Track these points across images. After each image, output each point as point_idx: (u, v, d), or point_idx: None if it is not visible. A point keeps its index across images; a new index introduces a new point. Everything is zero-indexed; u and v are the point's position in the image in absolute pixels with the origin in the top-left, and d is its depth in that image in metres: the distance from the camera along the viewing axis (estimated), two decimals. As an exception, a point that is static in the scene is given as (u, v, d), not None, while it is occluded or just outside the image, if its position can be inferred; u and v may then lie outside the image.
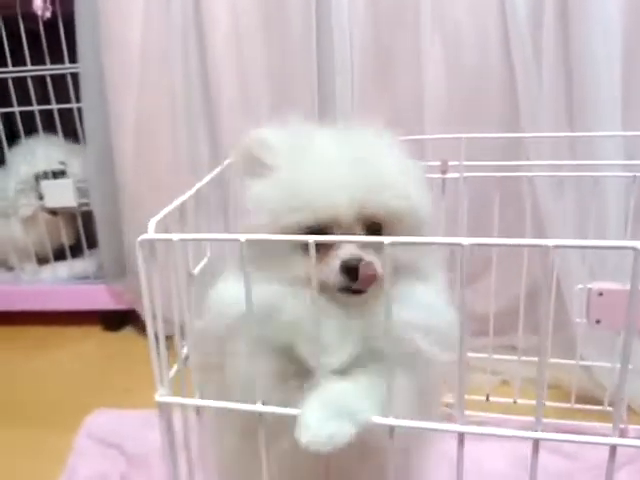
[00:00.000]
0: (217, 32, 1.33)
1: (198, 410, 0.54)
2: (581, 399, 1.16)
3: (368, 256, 0.55)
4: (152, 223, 0.51)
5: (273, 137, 0.62)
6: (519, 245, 0.47)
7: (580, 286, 1.03)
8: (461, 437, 0.51)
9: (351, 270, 0.54)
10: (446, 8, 1.27)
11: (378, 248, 0.51)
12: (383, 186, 0.57)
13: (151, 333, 0.51)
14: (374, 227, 0.58)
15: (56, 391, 1.38)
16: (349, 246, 0.55)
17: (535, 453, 0.49)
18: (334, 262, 0.55)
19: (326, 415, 0.50)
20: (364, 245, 0.56)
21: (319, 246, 0.49)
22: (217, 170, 0.77)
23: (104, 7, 1.39)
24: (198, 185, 0.68)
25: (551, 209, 1.22)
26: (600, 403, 1.14)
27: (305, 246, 0.49)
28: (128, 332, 1.65)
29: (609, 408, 1.12)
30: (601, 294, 1.02)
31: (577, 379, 1.14)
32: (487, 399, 1.18)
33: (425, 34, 1.27)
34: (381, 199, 0.57)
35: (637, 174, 0.99)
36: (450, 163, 1.05)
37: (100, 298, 1.63)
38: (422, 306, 0.57)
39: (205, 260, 0.66)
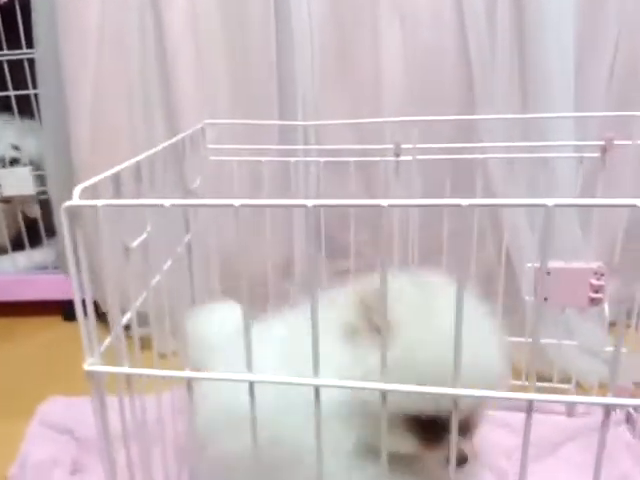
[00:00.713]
0: (175, 17, 1.32)
1: (128, 379, 0.54)
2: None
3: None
4: (78, 189, 0.50)
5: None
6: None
7: (529, 265, 1.05)
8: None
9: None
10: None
11: None
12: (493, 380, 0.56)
13: (78, 301, 0.51)
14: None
15: (13, 381, 1.36)
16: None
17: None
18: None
19: None
20: None
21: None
22: (163, 145, 0.77)
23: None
24: (139, 157, 0.68)
25: (503, 191, 1.24)
26: (550, 380, 1.16)
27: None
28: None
29: (557, 385, 1.15)
30: (549, 273, 1.04)
31: (528, 356, 1.16)
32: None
33: (383, 18, 1.28)
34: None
35: (584, 155, 1.01)
36: (403, 146, 1.07)
37: (59, 288, 1.61)
38: None
39: (145, 235, 0.65)
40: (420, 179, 1.07)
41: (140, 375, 0.54)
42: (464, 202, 0.44)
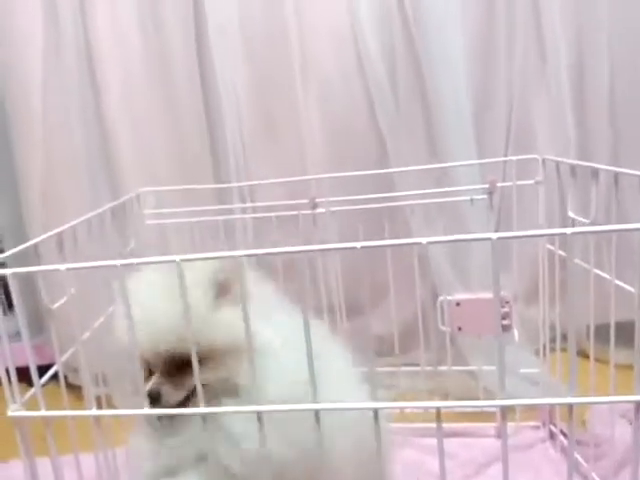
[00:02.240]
0: (112, 96, 1.46)
1: (47, 423, 0.62)
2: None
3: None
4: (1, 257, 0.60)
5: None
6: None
7: (441, 298, 1.15)
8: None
9: (152, 397, 0.66)
10: (315, 67, 1.43)
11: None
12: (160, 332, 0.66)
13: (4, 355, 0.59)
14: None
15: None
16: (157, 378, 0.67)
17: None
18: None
19: None
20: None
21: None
22: (92, 213, 0.87)
23: (4, 80, 1.51)
24: (80, 219, 0.78)
25: (418, 231, 1.36)
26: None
27: None
28: (51, 386, 1.67)
29: (486, 409, 1.23)
30: (458, 304, 1.15)
31: (455, 383, 1.25)
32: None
33: (299, 85, 1.42)
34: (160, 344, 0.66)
35: (473, 197, 1.13)
36: (318, 200, 1.18)
37: (21, 356, 1.66)
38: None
39: (66, 297, 0.74)
40: (337, 228, 1.18)
41: (58, 417, 0.63)
42: (424, 240, 0.55)
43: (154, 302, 0.66)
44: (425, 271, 1.40)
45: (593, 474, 1.00)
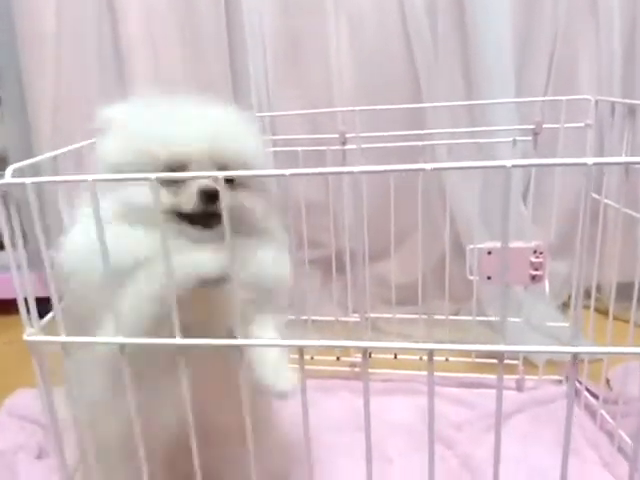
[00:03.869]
0: (130, 20, 1.37)
1: (66, 350, 0.58)
2: (484, 354, 1.22)
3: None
4: (10, 169, 0.54)
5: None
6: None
7: (471, 246, 1.10)
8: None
9: (209, 194, 0.59)
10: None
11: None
12: (226, 133, 0.64)
13: (16, 278, 0.54)
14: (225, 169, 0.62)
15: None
16: (205, 180, 0.60)
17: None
18: (191, 190, 0.60)
19: None
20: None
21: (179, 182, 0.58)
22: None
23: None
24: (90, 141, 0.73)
25: (450, 176, 1.29)
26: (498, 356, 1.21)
27: (164, 183, 0.56)
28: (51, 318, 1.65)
29: (508, 361, 1.20)
30: (490, 252, 1.09)
31: (476, 334, 1.21)
32: (395, 357, 1.23)
33: (331, 16, 1.33)
34: (225, 144, 0.63)
35: (517, 138, 1.06)
36: (348, 135, 1.11)
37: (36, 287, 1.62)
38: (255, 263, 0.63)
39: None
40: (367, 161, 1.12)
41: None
42: (427, 167, 0.48)
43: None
44: (450, 219, 1.35)
45: (620, 431, 0.97)
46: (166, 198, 0.61)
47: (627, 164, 0.48)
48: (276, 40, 1.38)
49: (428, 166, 0.47)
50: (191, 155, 0.61)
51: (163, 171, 0.60)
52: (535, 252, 1.08)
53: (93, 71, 1.40)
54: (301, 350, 0.54)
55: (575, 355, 0.50)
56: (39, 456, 1.04)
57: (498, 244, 1.10)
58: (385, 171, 0.50)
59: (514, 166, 0.46)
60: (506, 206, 0.47)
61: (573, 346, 0.51)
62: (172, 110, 0.65)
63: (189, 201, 0.60)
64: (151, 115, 0.65)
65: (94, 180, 0.51)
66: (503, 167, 0.46)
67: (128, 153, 0.62)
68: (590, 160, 0.44)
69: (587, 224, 1.06)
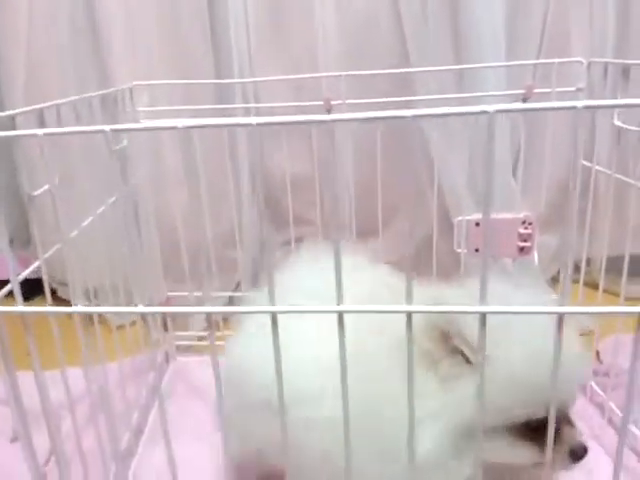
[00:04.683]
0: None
1: (26, 323, 0.54)
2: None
3: None
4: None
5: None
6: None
7: (459, 218, 1.07)
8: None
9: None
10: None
11: None
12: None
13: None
14: None
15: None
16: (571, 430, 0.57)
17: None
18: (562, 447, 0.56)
19: None
20: None
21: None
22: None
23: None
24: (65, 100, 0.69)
25: (438, 142, 1.25)
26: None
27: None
28: (38, 300, 1.62)
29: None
30: (477, 224, 1.06)
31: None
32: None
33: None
34: None
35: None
36: (334, 102, 1.07)
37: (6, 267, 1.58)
38: None
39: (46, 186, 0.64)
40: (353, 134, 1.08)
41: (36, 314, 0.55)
42: (408, 113, 0.44)
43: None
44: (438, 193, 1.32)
45: (610, 403, 0.95)
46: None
47: (616, 107, 0.44)
48: (258, 3, 1.31)
49: (409, 112, 0.44)
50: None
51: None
52: (524, 223, 1.05)
53: (67, 44, 1.33)
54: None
55: (561, 317, 0.47)
56: (13, 440, 1.01)
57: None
58: (367, 119, 0.46)
59: (497, 111, 0.43)
60: (490, 158, 0.43)
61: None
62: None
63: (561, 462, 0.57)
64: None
65: (45, 134, 0.46)
66: (486, 113, 0.43)
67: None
68: (580, 103, 0.41)
69: (579, 167, 1.04)
